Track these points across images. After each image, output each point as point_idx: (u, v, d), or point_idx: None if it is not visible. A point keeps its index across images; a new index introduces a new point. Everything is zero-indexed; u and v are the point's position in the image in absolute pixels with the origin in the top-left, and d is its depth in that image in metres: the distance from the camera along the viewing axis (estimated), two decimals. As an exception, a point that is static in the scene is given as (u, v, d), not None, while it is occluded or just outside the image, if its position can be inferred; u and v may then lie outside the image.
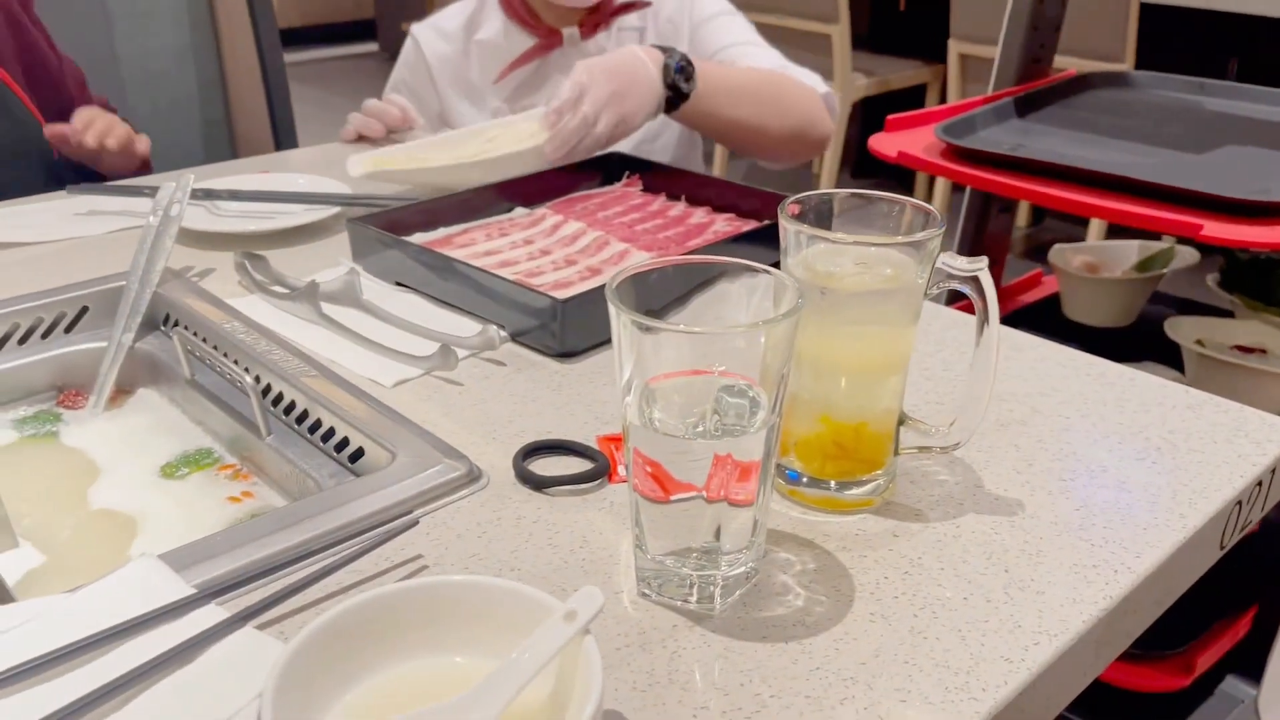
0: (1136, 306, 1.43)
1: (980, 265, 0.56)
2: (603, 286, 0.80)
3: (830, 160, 3.33)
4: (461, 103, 1.45)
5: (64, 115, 1.29)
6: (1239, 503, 0.64)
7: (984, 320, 0.57)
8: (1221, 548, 0.65)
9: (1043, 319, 1.47)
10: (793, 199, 0.59)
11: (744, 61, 1.39)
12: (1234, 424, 0.70)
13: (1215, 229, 0.94)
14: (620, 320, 0.50)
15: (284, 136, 1.68)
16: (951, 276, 0.57)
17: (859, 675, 0.49)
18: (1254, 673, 1.24)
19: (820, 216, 0.61)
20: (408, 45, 1.49)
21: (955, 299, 1.35)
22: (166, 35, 1.69)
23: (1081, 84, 1.39)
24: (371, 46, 6.02)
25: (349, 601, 0.44)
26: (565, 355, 0.78)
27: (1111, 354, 0.81)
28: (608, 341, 0.80)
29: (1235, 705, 1.24)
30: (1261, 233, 0.93)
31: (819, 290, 0.57)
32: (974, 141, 1.18)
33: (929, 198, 3.36)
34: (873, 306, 0.58)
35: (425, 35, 1.47)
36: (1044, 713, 0.52)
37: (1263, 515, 0.70)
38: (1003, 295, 1.52)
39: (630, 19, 1.44)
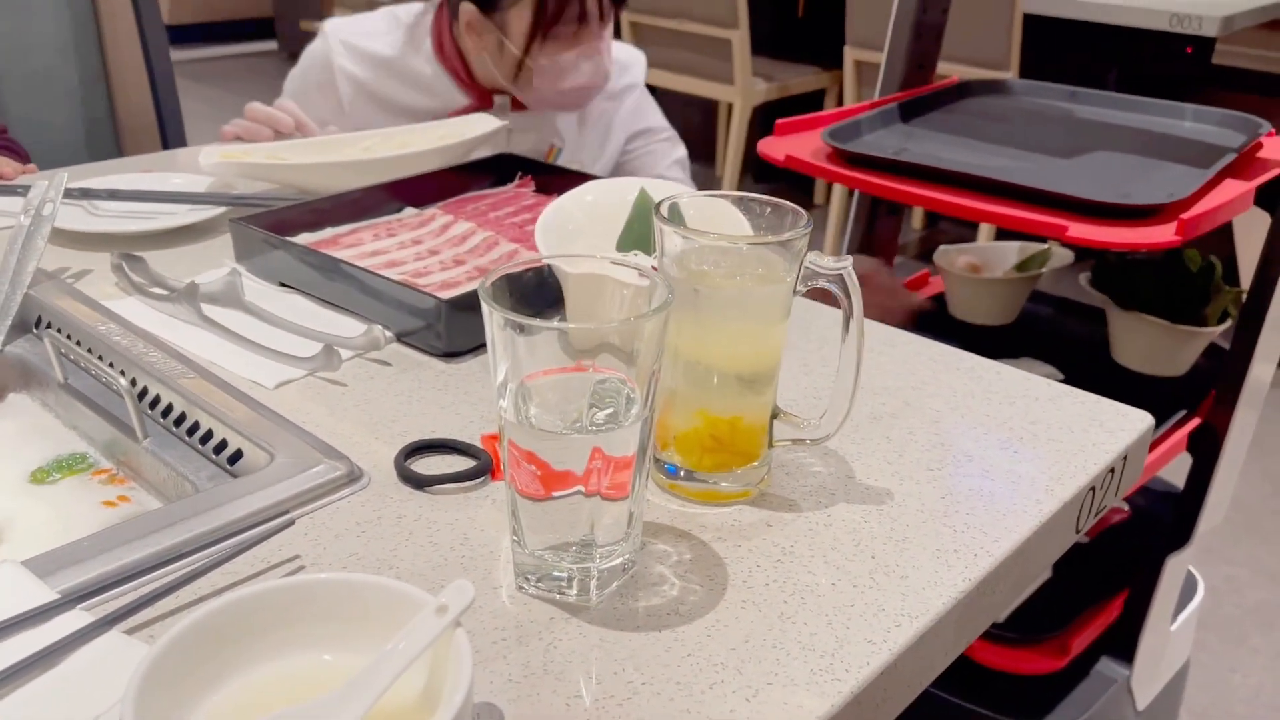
0: (1017, 305, 1.49)
1: (845, 264, 0.58)
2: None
3: (731, 165, 3.38)
4: (378, 116, 1.40)
5: None
6: (1093, 488, 0.67)
7: (849, 316, 0.59)
8: (1077, 531, 0.68)
9: (929, 318, 1.52)
10: (668, 199, 0.61)
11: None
12: (1090, 414, 0.74)
13: (1080, 230, 0.98)
14: (493, 319, 0.50)
15: (171, 135, 1.63)
16: (819, 275, 0.59)
17: (729, 660, 0.51)
18: (1126, 654, 1.31)
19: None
20: (317, 57, 1.41)
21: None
22: (45, 29, 1.63)
23: (963, 91, 1.44)
24: (270, 45, 5.90)
25: (215, 602, 0.44)
26: (450, 355, 0.78)
27: (994, 351, 0.85)
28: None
29: (1110, 685, 1.30)
30: (1122, 234, 0.98)
31: (693, 289, 0.59)
32: (859, 146, 1.22)
33: (827, 201, 3.44)
34: (744, 304, 0.60)
35: (339, 51, 1.39)
36: (907, 690, 0.54)
37: (1118, 500, 0.74)
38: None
39: None
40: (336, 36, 1.40)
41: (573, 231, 0.80)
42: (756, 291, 0.59)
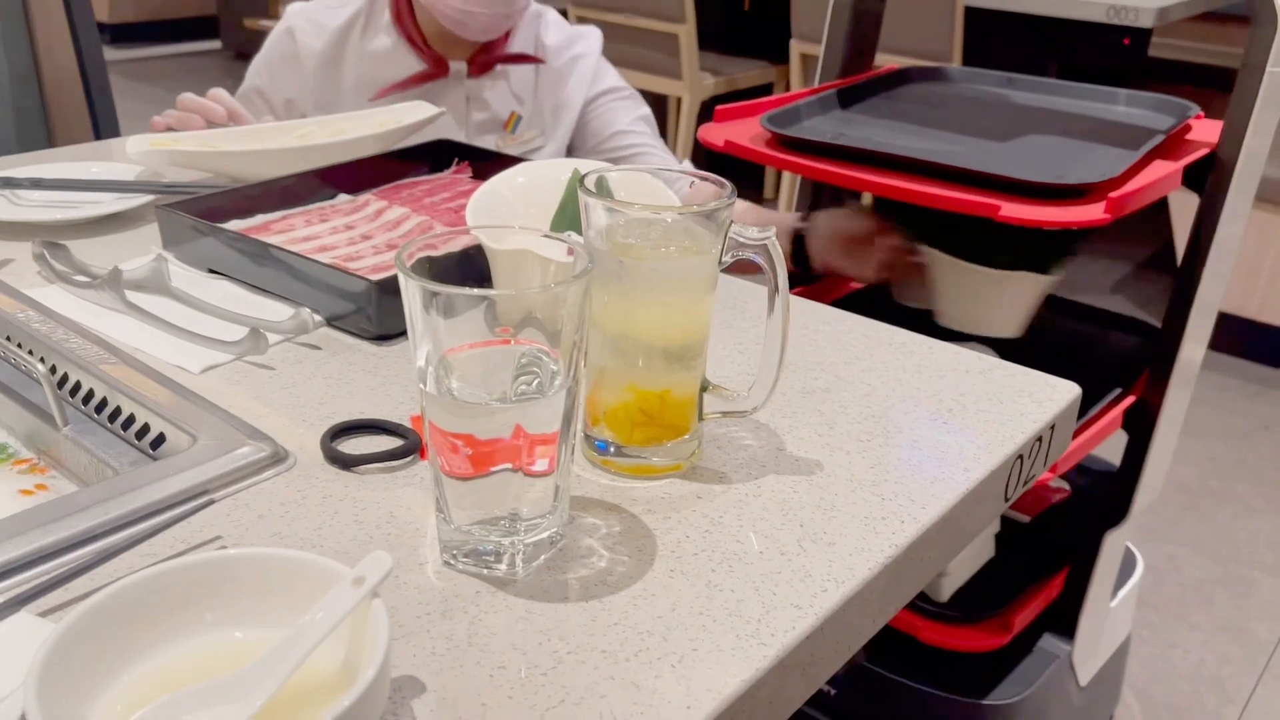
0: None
1: (769, 234, 0.58)
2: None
3: (679, 157, 3.39)
4: (339, 88, 1.40)
5: None
6: (1020, 457, 0.68)
7: (774, 288, 0.59)
8: (1006, 500, 0.69)
9: (874, 304, 1.53)
10: (591, 174, 0.61)
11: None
12: (1020, 386, 0.75)
13: (1012, 210, 1.00)
14: (411, 290, 0.50)
15: (105, 128, 1.60)
16: (744, 245, 0.59)
17: (655, 628, 0.51)
18: (1068, 630, 1.33)
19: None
20: (280, 34, 1.42)
21: (796, 284, 1.39)
22: (-29, 23, 1.60)
23: (901, 78, 1.46)
24: (214, 44, 5.81)
25: (123, 580, 0.43)
26: (382, 338, 0.78)
27: (940, 337, 0.85)
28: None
29: (1052, 661, 1.32)
30: (1052, 212, 0.99)
31: (618, 261, 0.59)
32: (798, 131, 1.22)
33: (776, 194, 3.46)
34: (670, 276, 0.60)
35: (301, 27, 1.40)
36: (835, 655, 0.55)
37: (1047, 470, 0.75)
38: (836, 281, 1.58)
39: (521, 70, 1.44)
40: (300, 14, 1.42)
41: (505, 214, 0.80)
42: (682, 263, 0.59)
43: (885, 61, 1.55)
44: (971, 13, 2.78)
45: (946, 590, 1.27)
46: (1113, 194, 1.00)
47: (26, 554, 0.51)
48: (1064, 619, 1.32)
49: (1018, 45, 3.02)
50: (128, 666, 0.43)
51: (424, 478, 0.62)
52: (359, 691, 0.39)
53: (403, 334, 0.78)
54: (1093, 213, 0.99)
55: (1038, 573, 1.33)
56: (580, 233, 0.61)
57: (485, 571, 0.54)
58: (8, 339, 0.74)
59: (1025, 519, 1.39)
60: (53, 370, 0.69)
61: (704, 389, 0.64)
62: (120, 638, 0.43)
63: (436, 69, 1.40)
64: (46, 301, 0.81)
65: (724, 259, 0.60)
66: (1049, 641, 1.33)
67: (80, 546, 0.52)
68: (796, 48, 3.17)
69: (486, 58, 1.41)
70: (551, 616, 0.51)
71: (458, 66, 1.40)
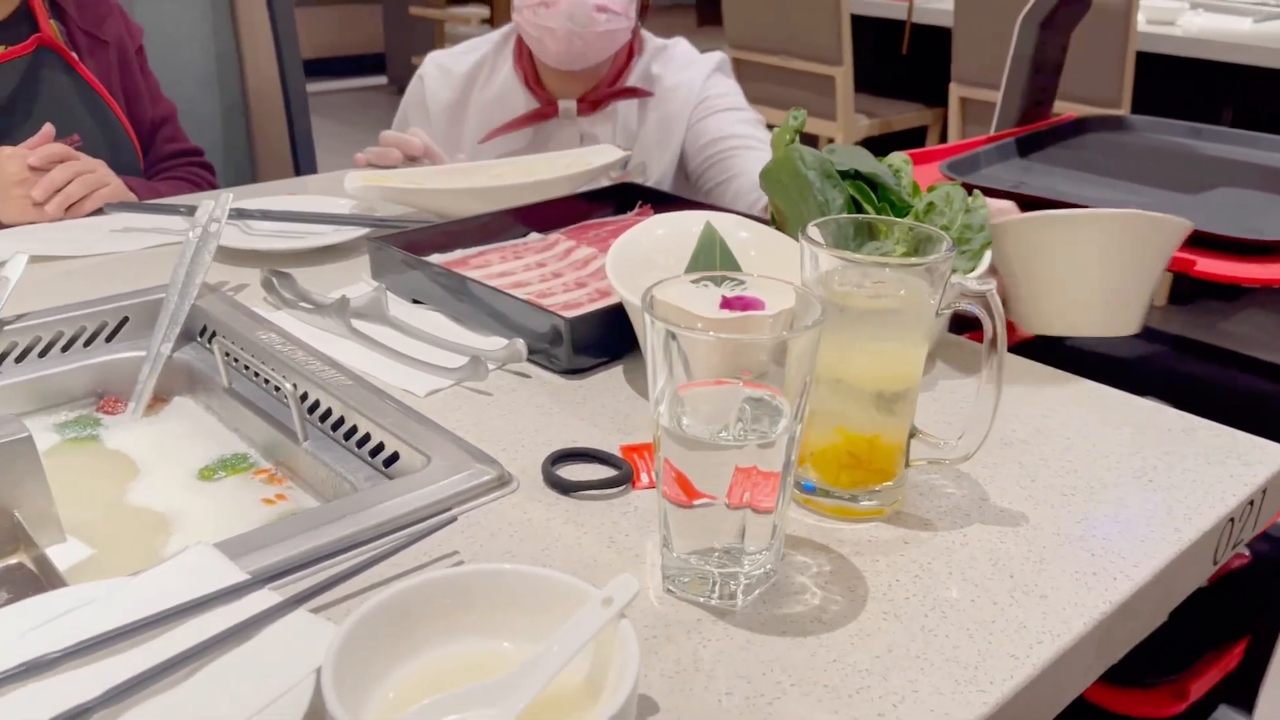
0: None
1: (990, 285, 0.60)
2: (609, 307, 0.84)
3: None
4: (460, 129, 1.47)
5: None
6: (1231, 520, 0.67)
7: (991, 339, 0.61)
8: (1215, 563, 0.68)
9: (1044, 350, 1.51)
10: (813, 223, 0.63)
11: (735, 161, 1.41)
12: (1226, 446, 0.73)
13: (1208, 265, 0.98)
14: (654, 328, 0.53)
15: (304, 162, 1.72)
16: (963, 295, 0.60)
17: (874, 668, 0.52)
18: (1246, 703, 1.27)
19: (838, 239, 0.65)
20: (414, 82, 1.50)
21: (965, 328, 1.39)
22: (194, 63, 1.74)
23: (1080, 126, 1.44)
24: (380, 80, 6.11)
25: (403, 584, 0.47)
26: (570, 373, 0.81)
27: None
28: (611, 360, 0.83)
29: (1228, 734, 1.26)
30: (1252, 269, 0.97)
31: (838, 308, 0.61)
32: (977, 178, 1.22)
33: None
34: (887, 324, 0.62)
35: (432, 74, 1.48)
36: (1046, 708, 0.55)
37: (1255, 535, 0.73)
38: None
39: (630, 105, 1.46)
40: (433, 61, 1.50)
41: (642, 264, 0.82)
42: (901, 312, 0.61)
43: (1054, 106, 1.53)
44: (1143, 58, 2.71)
45: (1138, 639, 1.24)
46: (1318, 252, 0.97)
47: (296, 556, 0.56)
48: (1243, 691, 1.27)
49: (1190, 91, 2.92)
50: (402, 663, 0.47)
51: (637, 506, 0.65)
52: (618, 705, 0.42)
53: (589, 370, 0.82)
54: (1297, 271, 0.96)
55: (1215, 640, 1.27)
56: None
57: (703, 600, 0.57)
58: (254, 358, 0.81)
59: (1203, 584, 1.34)
60: (294, 387, 0.75)
61: (911, 435, 0.65)
62: (397, 637, 0.47)
63: (547, 108, 1.43)
64: (281, 325, 0.88)
65: (941, 309, 0.61)
66: (1225, 714, 1.28)
67: (342, 552, 0.57)
68: (956, 91, 3.14)
69: (596, 95, 1.43)
70: (771, 648, 0.53)
71: (567, 105, 1.42)
